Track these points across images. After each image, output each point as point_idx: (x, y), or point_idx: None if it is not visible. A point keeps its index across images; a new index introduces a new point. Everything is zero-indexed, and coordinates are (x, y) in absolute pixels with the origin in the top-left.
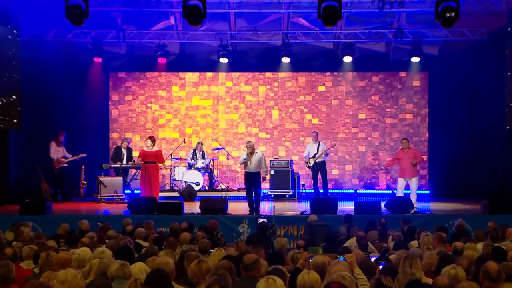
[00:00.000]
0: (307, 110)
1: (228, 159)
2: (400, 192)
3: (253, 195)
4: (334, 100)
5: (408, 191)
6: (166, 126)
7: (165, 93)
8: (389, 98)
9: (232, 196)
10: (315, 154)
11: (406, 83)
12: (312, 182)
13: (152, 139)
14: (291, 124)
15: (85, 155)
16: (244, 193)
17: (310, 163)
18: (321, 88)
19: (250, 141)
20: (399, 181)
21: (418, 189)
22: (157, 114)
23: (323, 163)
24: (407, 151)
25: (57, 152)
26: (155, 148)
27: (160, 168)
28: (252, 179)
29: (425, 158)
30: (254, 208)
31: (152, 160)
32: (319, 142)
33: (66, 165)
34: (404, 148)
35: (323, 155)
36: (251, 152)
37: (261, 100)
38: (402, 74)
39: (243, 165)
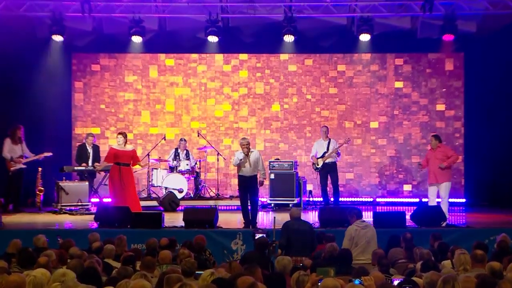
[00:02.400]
0: (314, 100)
1: (218, 160)
2: (432, 202)
3: (249, 204)
4: (348, 88)
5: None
6: (141, 119)
7: (141, 80)
8: (415, 86)
9: (224, 206)
10: (324, 153)
11: (437, 67)
12: (321, 187)
13: (124, 135)
14: (296, 118)
15: (50, 154)
16: (238, 202)
17: (318, 164)
18: (332, 74)
19: (245, 138)
20: (429, 189)
21: (452, 196)
22: (131, 105)
23: (333, 165)
24: (435, 150)
25: (12, 150)
26: (129, 147)
27: (134, 171)
28: (248, 185)
29: (460, 158)
30: (250, 221)
31: (126, 161)
32: (329, 139)
33: (24, 166)
34: (433, 146)
35: (334, 153)
36: (247, 151)
37: (259, 88)
38: (432, 56)
39: (237, 167)
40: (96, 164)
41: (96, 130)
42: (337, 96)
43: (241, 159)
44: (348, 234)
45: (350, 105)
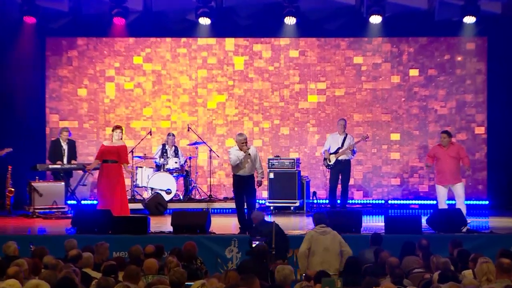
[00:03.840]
0: (319, 90)
1: (211, 158)
2: (443, 204)
3: (245, 207)
4: (357, 76)
5: (452, 202)
6: (124, 111)
7: (123, 66)
8: (432, 74)
9: (217, 209)
10: (338, 148)
11: (457, 53)
12: (328, 187)
13: (121, 130)
14: (297, 110)
15: (10, 149)
16: (232, 205)
17: (330, 161)
18: (339, 60)
19: (242, 134)
20: (439, 190)
21: (473, 199)
22: (113, 95)
23: (347, 163)
24: (448, 148)
25: None
26: (118, 142)
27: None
28: (246, 185)
29: (477, 156)
30: (247, 225)
31: (112, 158)
32: (346, 134)
33: None
34: (444, 144)
35: (349, 150)
36: (246, 148)
37: (256, 76)
38: (452, 41)
39: (232, 166)
40: (73, 163)
41: (73, 124)
42: (344, 85)
43: (240, 157)
44: (305, 239)
45: (358, 95)
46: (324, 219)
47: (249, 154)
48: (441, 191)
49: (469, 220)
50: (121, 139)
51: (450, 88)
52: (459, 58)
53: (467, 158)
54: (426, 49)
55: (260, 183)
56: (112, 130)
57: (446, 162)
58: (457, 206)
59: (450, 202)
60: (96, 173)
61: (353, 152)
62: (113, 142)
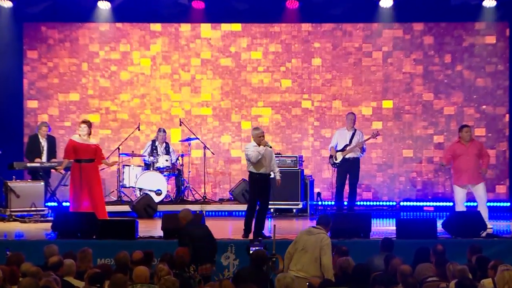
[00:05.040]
0: (324, 81)
1: (205, 155)
2: (461, 207)
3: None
4: (366, 66)
5: (472, 204)
6: (111, 104)
7: (109, 55)
8: (448, 62)
9: (212, 211)
10: (346, 145)
11: (475, 40)
12: (335, 188)
13: (89, 125)
14: (300, 102)
15: None
16: (229, 207)
17: (336, 159)
18: (346, 48)
19: (258, 127)
20: (457, 191)
21: (495, 200)
22: (98, 87)
23: (355, 161)
24: (468, 144)
25: None
26: (92, 140)
27: (102, 169)
28: (265, 185)
29: (497, 152)
30: (256, 229)
31: (88, 157)
32: (355, 129)
33: None
34: (465, 140)
35: (358, 148)
36: (265, 143)
37: (255, 66)
38: (469, 26)
39: (253, 164)
40: (55, 161)
41: (54, 117)
42: (351, 75)
43: (263, 153)
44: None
45: (367, 85)
46: (323, 221)
47: (271, 147)
48: (459, 192)
49: (489, 224)
50: (90, 134)
51: (468, 78)
52: (477, 45)
53: (488, 157)
54: (441, 35)
55: (279, 183)
56: (80, 124)
57: (467, 160)
58: (479, 209)
59: (469, 204)
60: None
61: (363, 150)
62: (85, 139)
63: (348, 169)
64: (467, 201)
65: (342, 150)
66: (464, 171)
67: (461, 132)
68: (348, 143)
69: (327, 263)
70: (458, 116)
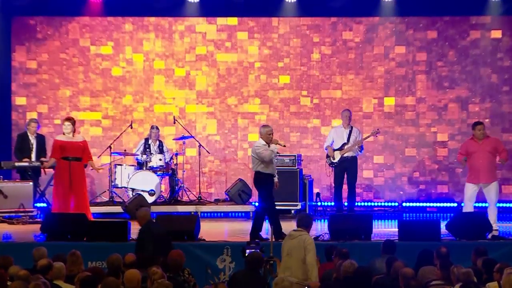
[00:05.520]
0: (323, 78)
1: (200, 154)
2: (469, 206)
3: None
4: (366, 61)
5: (482, 204)
6: (102, 102)
7: (100, 50)
8: (452, 58)
9: (207, 213)
10: (344, 144)
11: (481, 35)
12: (334, 188)
13: (73, 122)
14: (299, 99)
15: None
16: (225, 208)
17: (334, 158)
18: (346, 43)
19: (267, 125)
20: (468, 189)
21: (501, 201)
22: (89, 83)
23: (353, 160)
24: (482, 141)
25: None
26: (79, 138)
27: (91, 169)
28: (273, 186)
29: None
30: (256, 231)
31: (75, 155)
32: (351, 127)
33: None
34: (478, 138)
35: (357, 147)
36: (276, 140)
37: (252, 61)
38: (474, 21)
39: (263, 164)
40: (43, 159)
41: (43, 114)
42: (352, 71)
43: (276, 151)
44: None
45: (368, 82)
46: (303, 223)
47: (284, 145)
48: (470, 190)
49: (495, 226)
50: (74, 132)
51: (474, 74)
52: (482, 41)
53: (506, 152)
54: (445, 30)
55: (277, 185)
56: (64, 121)
57: (480, 158)
58: (489, 209)
59: (479, 205)
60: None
61: (361, 148)
62: (73, 137)
63: (346, 169)
64: (477, 202)
65: (340, 149)
66: (476, 168)
67: (474, 129)
68: (346, 141)
69: (311, 262)
70: (462, 113)
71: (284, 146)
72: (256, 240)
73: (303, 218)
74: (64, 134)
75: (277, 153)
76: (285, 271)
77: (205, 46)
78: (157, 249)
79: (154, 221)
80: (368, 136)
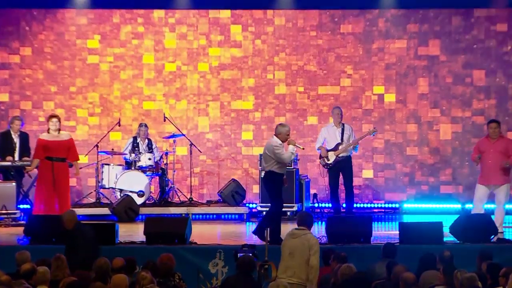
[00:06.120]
0: (321, 73)
1: (191, 153)
2: (479, 208)
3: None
4: (365, 56)
5: (491, 206)
6: (89, 98)
7: (86, 45)
8: (455, 52)
9: (198, 214)
10: (338, 144)
11: (485, 28)
12: (330, 190)
13: (59, 119)
14: (295, 95)
15: None
16: (217, 209)
17: (329, 159)
18: (344, 37)
19: (285, 124)
20: (478, 190)
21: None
22: (74, 80)
23: (348, 160)
24: (495, 141)
25: None
26: (64, 136)
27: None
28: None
29: None
30: (276, 234)
31: (60, 155)
32: (343, 125)
33: None
34: (491, 136)
35: (351, 147)
36: (294, 140)
37: (246, 56)
38: (479, 13)
39: (279, 164)
40: (26, 159)
41: (28, 111)
42: (350, 66)
43: (295, 152)
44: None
45: (367, 77)
46: (305, 220)
47: (303, 148)
48: (480, 192)
49: (501, 228)
50: (59, 130)
51: (477, 69)
52: (487, 34)
53: None
54: (447, 23)
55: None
56: (47, 120)
57: (490, 158)
58: (496, 211)
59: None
60: None
61: (355, 147)
62: (55, 135)
63: (341, 169)
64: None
65: (334, 149)
66: (487, 169)
67: (488, 127)
68: (339, 141)
69: (315, 264)
70: (465, 111)
71: (303, 149)
72: (248, 244)
73: (305, 217)
74: (49, 132)
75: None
76: (286, 271)
77: (196, 40)
78: (89, 253)
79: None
80: (365, 135)
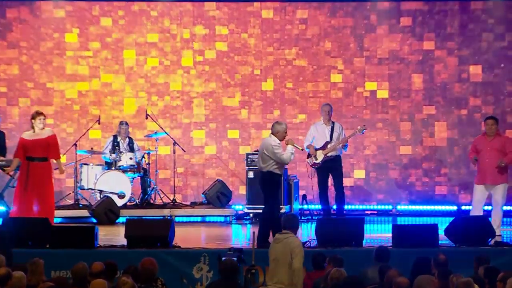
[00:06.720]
0: (310, 69)
1: (174, 152)
2: (477, 209)
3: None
4: (357, 50)
5: (488, 207)
6: (66, 93)
7: (63, 38)
8: (452, 46)
9: (182, 217)
10: (326, 143)
11: (482, 19)
12: (319, 191)
13: (45, 117)
14: (283, 92)
15: None
16: (202, 211)
17: (317, 158)
18: (335, 30)
19: (282, 122)
20: (476, 191)
21: (507, 203)
22: (52, 76)
23: (337, 159)
24: (492, 139)
25: None
26: (45, 133)
27: (55, 169)
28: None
29: None
30: (264, 237)
31: (38, 155)
32: (333, 123)
33: None
34: (489, 134)
35: (341, 145)
36: (292, 140)
37: (231, 50)
38: (476, 5)
39: (280, 165)
40: (1, 158)
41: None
42: (341, 61)
43: (294, 152)
44: None
45: (358, 73)
46: (290, 224)
47: (302, 149)
48: (478, 193)
49: (499, 230)
50: (43, 128)
51: (473, 65)
52: (484, 28)
53: None
54: (443, 16)
55: None
56: (32, 118)
57: (487, 157)
58: (493, 212)
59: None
60: None
61: (345, 146)
62: (36, 132)
63: (330, 169)
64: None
65: (323, 148)
66: (483, 168)
67: (485, 124)
68: (328, 139)
69: (297, 267)
70: (462, 108)
71: (302, 149)
72: (235, 247)
73: (289, 219)
74: (34, 130)
75: (258, 151)
76: (272, 278)
77: (180, 33)
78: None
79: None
80: (353, 134)
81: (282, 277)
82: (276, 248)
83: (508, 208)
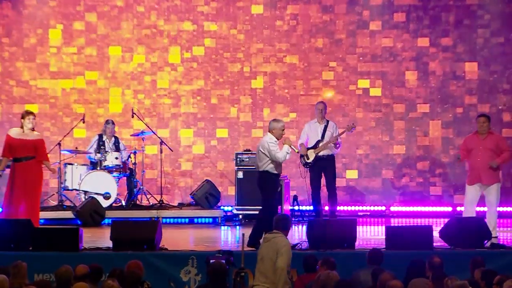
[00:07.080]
0: (301, 66)
1: (161, 152)
2: (470, 211)
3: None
4: (351, 47)
5: (483, 208)
6: (50, 91)
7: (47, 37)
8: (448, 43)
9: (169, 218)
10: (318, 141)
11: (478, 15)
12: (311, 191)
13: (35, 116)
14: (274, 90)
15: None
16: (190, 212)
17: (309, 158)
18: (327, 27)
19: (279, 119)
20: (468, 191)
21: (502, 204)
22: (35, 73)
23: (330, 158)
24: (484, 137)
25: None
26: (33, 135)
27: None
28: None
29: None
30: (255, 238)
31: (25, 154)
32: (327, 121)
33: None
34: (481, 132)
35: (331, 144)
36: (289, 139)
37: (219, 46)
38: (471, 0)
39: (276, 164)
40: None
41: None
42: (333, 57)
43: (290, 151)
44: None
45: (350, 71)
46: (280, 224)
47: (298, 151)
48: (470, 193)
49: (495, 232)
50: (33, 128)
51: (470, 61)
52: (480, 24)
53: (509, 153)
54: (440, 11)
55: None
56: (22, 117)
57: (479, 156)
58: (488, 214)
59: (482, 209)
60: None
61: (337, 145)
62: (25, 132)
63: (322, 169)
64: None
65: (314, 147)
66: (476, 168)
67: (476, 122)
68: (320, 138)
69: (280, 266)
70: (457, 106)
71: (298, 152)
72: (224, 249)
73: (280, 220)
74: (23, 129)
75: (248, 150)
76: (260, 277)
77: (167, 30)
78: None
79: None
80: (343, 132)
81: (270, 276)
82: (263, 247)
83: (504, 209)
